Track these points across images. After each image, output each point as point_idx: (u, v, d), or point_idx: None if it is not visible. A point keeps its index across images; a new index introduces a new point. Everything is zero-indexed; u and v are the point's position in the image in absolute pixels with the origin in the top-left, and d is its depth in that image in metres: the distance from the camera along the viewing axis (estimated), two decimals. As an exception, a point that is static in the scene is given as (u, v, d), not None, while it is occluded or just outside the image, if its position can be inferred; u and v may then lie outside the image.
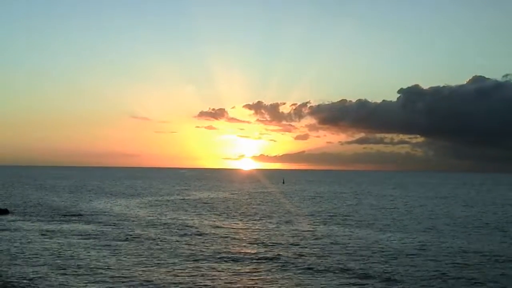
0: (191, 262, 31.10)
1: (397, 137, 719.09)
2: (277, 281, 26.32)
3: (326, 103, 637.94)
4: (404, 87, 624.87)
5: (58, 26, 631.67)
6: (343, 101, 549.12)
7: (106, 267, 29.25)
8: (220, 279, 26.66)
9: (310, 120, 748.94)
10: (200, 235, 42.95)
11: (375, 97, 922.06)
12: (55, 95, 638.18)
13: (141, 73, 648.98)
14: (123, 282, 25.84)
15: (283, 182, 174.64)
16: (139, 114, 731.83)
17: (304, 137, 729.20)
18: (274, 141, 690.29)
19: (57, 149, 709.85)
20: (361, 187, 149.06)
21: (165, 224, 50.52)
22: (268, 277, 27.20)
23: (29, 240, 39.51)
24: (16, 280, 26.08)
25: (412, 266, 30.30)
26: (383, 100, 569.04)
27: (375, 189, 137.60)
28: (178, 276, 27.23)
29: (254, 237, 42.20)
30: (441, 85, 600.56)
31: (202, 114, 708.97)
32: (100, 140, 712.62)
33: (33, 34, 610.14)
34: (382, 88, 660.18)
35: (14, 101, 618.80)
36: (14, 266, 29.68)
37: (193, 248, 35.94)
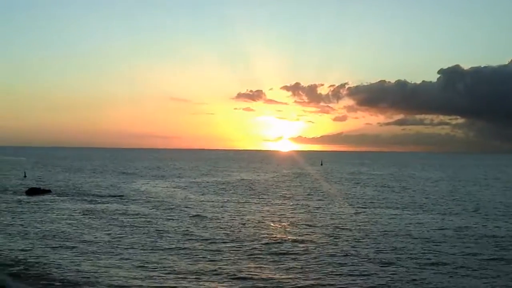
0: (228, 244, 31.15)
1: (437, 118, 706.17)
2: (312, 264, 26.11)
3: (365, 84, 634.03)
4: (444, 67, 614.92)
5: (101, 10, 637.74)
6: (382, 82, 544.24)
7: (146, 249, 29.57)
8: (257, 261, 26.59)
9: (348, 102, 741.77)
10: (238, 217, 42.99)
11: (415, 78, 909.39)
12: (97, 77, 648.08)
13: (181, 55, 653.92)
14: (165, 266, 26.06)
15: (321, 164, 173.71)
16: (178, 96, 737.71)
17: (342, 118, 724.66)
18: (312, 122, 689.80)
19: (98, 131, 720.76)
20: (401, 169, 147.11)
21: (202, 206, 50.79)
22: (303, 260, 26.99)
23: (69, 219, 40.28)
24: (57, 261, 26.57)
25: (453, 252, 29.70)
26: (423, 81, 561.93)
27: (415, 171, 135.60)
28: (215, 259, 27.28)
29: (292, 219, 41.98)
30: (482, 65, 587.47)
31: (240, 96, 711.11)
32: (140, 121, 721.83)
33: (78, 18, 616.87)
34: (422, 69, 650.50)
35: (59, 83, 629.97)
36: (47, 248, 30.26)
37: (231, 230, 35.98)
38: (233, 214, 44.93)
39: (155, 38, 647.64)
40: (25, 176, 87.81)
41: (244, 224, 39.05)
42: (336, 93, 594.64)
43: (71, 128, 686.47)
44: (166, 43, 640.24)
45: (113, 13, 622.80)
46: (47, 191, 61.62)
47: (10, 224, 38.40)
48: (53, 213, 44.55)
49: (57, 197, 56.82)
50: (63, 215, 43.31)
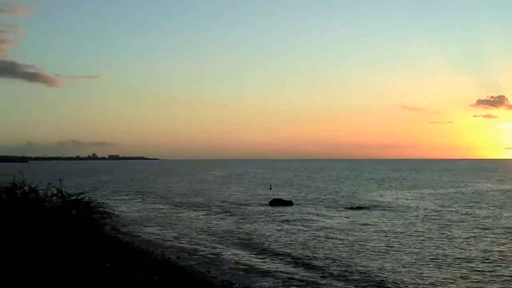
0: (485, 260, 28.24)
1: None
2: None
3: None
4: None
5: (320, 26, 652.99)
6: None
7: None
8: None
9: None
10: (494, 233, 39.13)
11: None
12: (326, 89, 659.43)
13: (412, 63, 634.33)
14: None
15: None
16: (411, 105, 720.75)
17: None
18: None
19: (328, 142, 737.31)
20: None
21: (444, 218, 47.71)
22: None
23: (310, 230, 40.52)
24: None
25: None
26: None
27: None
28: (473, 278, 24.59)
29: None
30: None
31: (480, 103, 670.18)
32: (372, 132, 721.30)
33: (299, 32, 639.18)
34: None
35: (291, 97, 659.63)
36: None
37: (485, 245, 32.75)
38: (485, 227, 41.16)
39: (384, 46, 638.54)
40: (270, 188, 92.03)
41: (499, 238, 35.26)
42: None
43: (304, 140, 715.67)
44: (396, 51, 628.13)
45: (338, 29, 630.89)
46: (289, 202, 63.49)
47: (251, 231, 40.31)
48: (294, 222, 45.71)
49: (298, 208, 58.04)
50: (303, 225, 43.99)
